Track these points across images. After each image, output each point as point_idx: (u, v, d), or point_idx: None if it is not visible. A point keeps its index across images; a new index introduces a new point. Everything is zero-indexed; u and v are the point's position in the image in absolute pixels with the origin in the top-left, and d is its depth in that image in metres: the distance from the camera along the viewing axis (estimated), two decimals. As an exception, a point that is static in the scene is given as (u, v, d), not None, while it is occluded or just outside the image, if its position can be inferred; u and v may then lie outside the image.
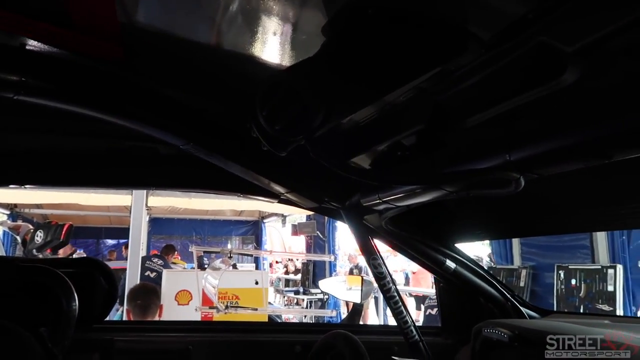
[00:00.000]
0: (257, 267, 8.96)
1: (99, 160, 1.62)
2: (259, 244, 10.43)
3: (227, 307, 4.16)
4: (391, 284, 1.73)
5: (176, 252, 6.73)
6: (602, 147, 0.82)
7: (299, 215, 10.19)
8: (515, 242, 6.27)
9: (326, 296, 6.75)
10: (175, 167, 1.69)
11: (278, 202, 1.75)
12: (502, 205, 1.61)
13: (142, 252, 7.00)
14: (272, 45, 1.07)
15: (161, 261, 6.20)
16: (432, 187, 1.21)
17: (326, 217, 9.01)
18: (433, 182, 1.13)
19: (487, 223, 1.77)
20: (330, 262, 8.31)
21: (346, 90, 0.92)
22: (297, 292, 8.07)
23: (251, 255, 8.51)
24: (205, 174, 1.68)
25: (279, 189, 1.55)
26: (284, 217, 9.94)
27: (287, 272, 10.56)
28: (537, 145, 0.91)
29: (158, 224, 9.91)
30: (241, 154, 1.41)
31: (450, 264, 1.79)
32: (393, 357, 1.25)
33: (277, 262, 11.44)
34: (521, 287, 5.64)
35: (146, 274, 5.94)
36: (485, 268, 6.56)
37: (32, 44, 1.05)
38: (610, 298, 4.95)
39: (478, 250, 8.36)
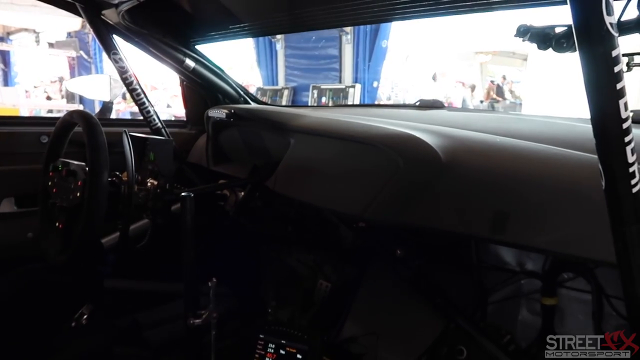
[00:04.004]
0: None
1: None
2: (6, 65, 8.93)
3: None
4: (133, 78, 1.89)
5: None
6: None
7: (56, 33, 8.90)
8: (281, 66, 6.87)
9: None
10: None
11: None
12: (236, 5, 1.81)
13: None
14: None
15: None
16: None
17: (91, 35, 8.12)
18: None
19: (222, 23, 1.97)
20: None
21: None
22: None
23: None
24: None
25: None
26: (36, 33, 8.54)
27: (49, 98, 9.47)
28: None
29: None
30: None
31: (190, 62, 2.00)
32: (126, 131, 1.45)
33: (35, 87, 10.08)
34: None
35: None
36: (255, 90, 7.02)
37: None
38: (349, 111, 6.09)
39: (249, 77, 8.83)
